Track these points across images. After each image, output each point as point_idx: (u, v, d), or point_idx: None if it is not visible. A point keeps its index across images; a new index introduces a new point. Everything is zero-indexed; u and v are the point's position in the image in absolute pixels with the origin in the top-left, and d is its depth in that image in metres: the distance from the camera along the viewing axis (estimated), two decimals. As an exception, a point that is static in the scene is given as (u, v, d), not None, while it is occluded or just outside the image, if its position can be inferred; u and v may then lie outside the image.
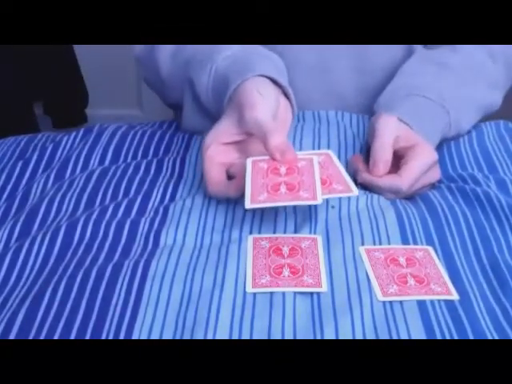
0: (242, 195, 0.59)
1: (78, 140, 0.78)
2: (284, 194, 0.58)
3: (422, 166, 0.67)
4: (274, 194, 0.58)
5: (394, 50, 0.84)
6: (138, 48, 0.85)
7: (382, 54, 0.84)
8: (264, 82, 0.66)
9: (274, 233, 0.60)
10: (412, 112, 0.72)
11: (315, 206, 0.63)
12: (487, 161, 0.74)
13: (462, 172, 0.71)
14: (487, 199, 0.64)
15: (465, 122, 0.78)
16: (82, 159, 0.73)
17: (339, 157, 0.73)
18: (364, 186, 0.68)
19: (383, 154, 0.67)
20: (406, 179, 0.66)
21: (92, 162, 0.73)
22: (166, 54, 0.79)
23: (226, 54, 0.72)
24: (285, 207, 0.63)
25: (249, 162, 0.62)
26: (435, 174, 0.70)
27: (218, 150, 0.64)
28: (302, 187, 0.59)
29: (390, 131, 0.68)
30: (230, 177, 0.65)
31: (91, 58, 1.93)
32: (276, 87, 0.67)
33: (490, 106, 0.82)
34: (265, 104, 0.63)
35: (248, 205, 0.57)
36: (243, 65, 0.69)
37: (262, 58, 0.71)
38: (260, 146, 0.63)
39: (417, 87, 0.75)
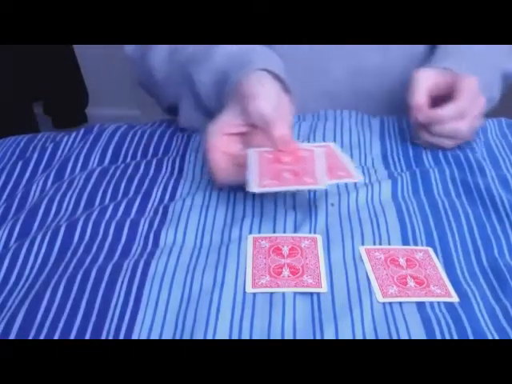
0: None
1: (77, 140, 0.78)
2: (288, 179, 0.59)
3: (468, 94, 0.69)
4: (278, 180, 0.59)
5: (390, 51, 0.84)
6: (130, 49, 0.84)
7: (377, 55, 0.84)
8: (265, 75, 0.67)
9: (274, 232, 0.60)
10: (451, 60, 0.74)
11: (315, 204, 0.63)
12: (490, 157, 0.74)
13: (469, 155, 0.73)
14: (489, 196, 0.64)
15: (495, 88, 0.81)
16: (81, 159, 0.73)
17: None
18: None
19: (420, 98, 0.70)
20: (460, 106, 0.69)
21: (91, 161, 0.73)
22: (160, 55, 0.79)
23: (226, 51, 0.72)
24: (284, 205, 0.64)
25: (251, 151, 0.62)
26: (481, 101, 0.72)
27: (221, 140, 0.64)
28: (305, 174, 0.59)
29: (424, 79, 0.72)
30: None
31: (91, 58, 1.93)
32: (276, 82, 0.68)
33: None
34: (267, 95, 0.64)
35: (252, 188, 0.57)
36: (243, 60, 0.69)
37: (262, 54, 0.72)
38: (262, 139, 0.63)
39: (450, 52, 0.78)
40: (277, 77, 0.68)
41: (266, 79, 0.66)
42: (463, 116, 0.70)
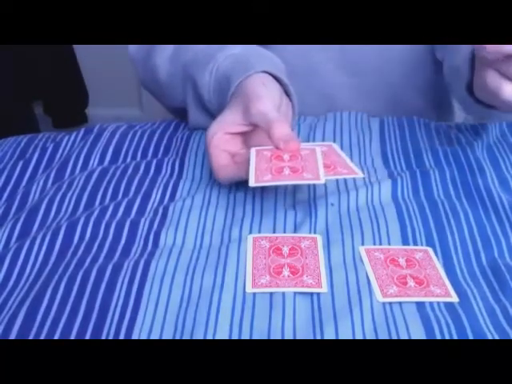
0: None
1: (78, 140, 0.78)
2: (287, 175, 0.60)
3: None
4: (278, 176, 0.60)
5: (387, 51, 0.83)
6: (133, 49, 0.85)
7: (372, 55, 0.83)
8: (267, 77, 0.68)
9: (274, 231, 0.60)
10: None
11: (315, 204, 0.63)
12: (490, 158, 0.74)
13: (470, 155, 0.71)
14: (489, 197, 0.64)
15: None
16: (81, 159, 0.73)
17: None
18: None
19: None
20: None
21: (91, 161, 0.73)
22: (164, 55, 0.79)
23: (228, 54, 0.72)
24: (284, 204, 0.64)
25: (253, 150, 0.63)
26: None
27: (223, 139, 0.64)
28: (305, 170, 0.60)
29: None
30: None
31: (91, 57, 1.93)
32: (278, 84, 0.68)
33: None
34: (269, 96, 0.64)
35: (252, 183, 0.58)
36: (246, 63, 0.70)
37: (264, 57, 0.72)
38: (263, 139, 0.63)
39: None
40: (278, 80, 0.68)
41: (268, 81, 0.67)
42: None
